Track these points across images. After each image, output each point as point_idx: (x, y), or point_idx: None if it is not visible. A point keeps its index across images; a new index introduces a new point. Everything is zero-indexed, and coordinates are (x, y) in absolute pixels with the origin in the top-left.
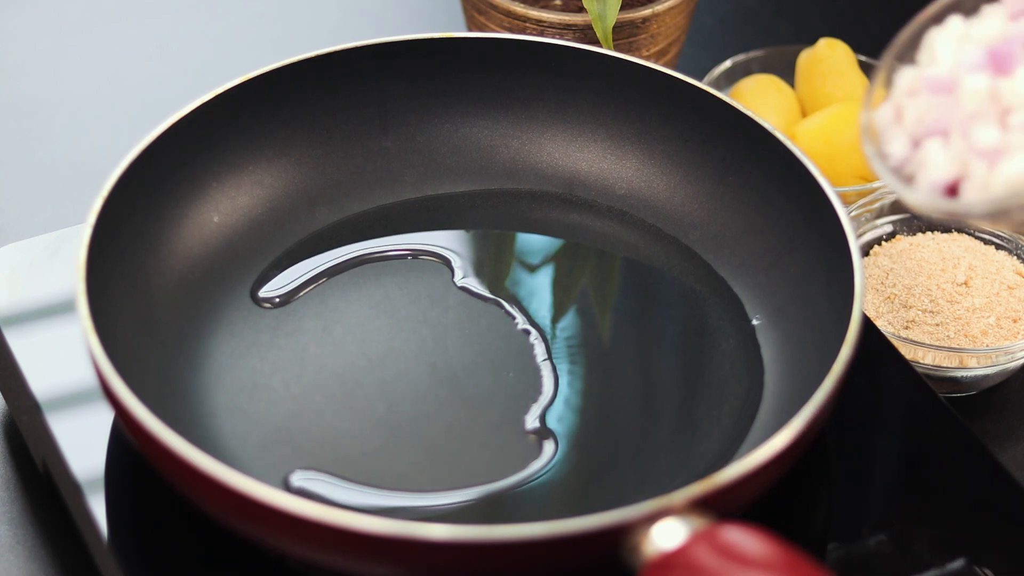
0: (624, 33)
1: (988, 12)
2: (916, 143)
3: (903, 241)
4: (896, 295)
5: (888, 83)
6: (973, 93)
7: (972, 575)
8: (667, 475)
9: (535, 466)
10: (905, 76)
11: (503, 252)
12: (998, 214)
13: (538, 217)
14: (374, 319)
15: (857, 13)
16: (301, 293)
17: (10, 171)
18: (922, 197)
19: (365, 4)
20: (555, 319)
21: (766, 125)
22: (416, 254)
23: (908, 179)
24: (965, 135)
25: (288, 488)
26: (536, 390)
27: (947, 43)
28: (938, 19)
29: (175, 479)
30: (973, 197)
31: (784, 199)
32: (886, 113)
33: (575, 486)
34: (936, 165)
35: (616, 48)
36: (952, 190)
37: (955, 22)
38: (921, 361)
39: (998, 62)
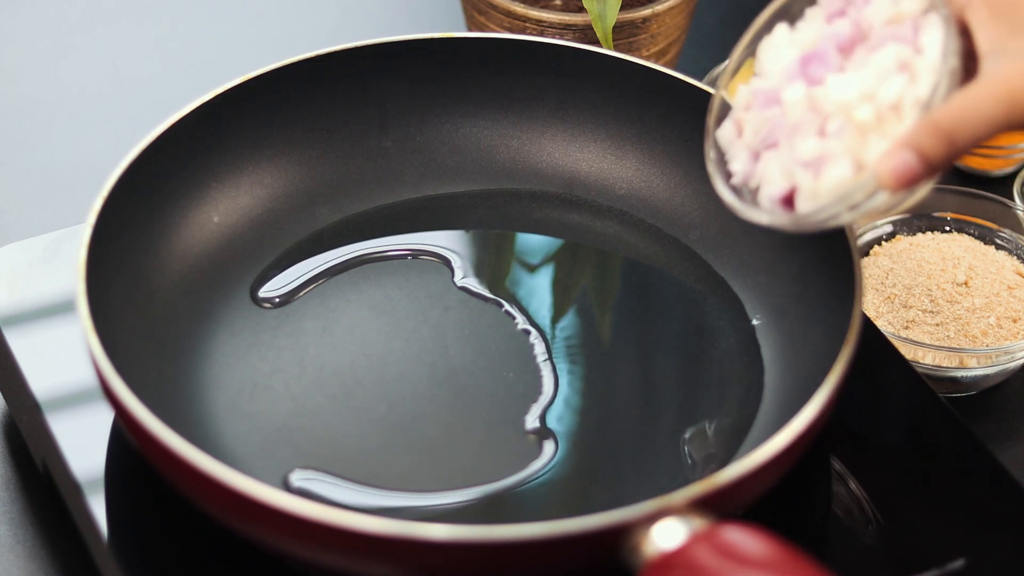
0: (624, 33)
1: (809, 16)
2: (756, 157)
3: (903, 241)
4: (896, 295)
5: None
6: (792, 103)
7: None
8: (667, 475)
9: (535, 466)
10: (742, 91)
11: (503, 252)
12: (832, 220)
13: (538, 217)
14: (374, 319)
15: None
16: (301, 293)
17: (10, 171)
18: (765, 216)
19: (365, 4)
20: (555, 319)
21: None
22: (416, 254)
23: (756, 193)
24: (790, 147)
25: (288, 488)
26: (536, 390)
27: (773, 52)
28: (769, 28)
29: (175, 479)
30: (805, 207)
31: None
32: (728, 131)
33: (575, 486)
34: (771, 179)
35: (616, 48)
36: (789, 201)
37: (781, 30)
38: (921, 361)
39: (809, 70)
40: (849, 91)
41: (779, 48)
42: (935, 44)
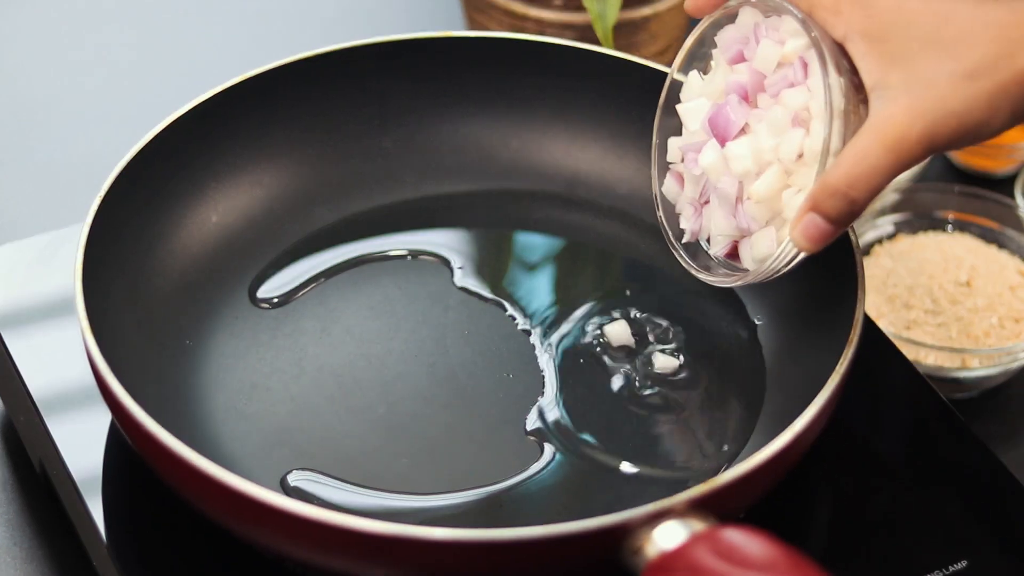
0: (624, 33)
1: (716, 58)
2: (698, 211)
3: (905, 241)
4: (898, 295)
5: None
6: (709, 167)
7: None
8: (667, 476)
9: (535, 467)
10: (673, 144)
11: (503, 252)
12: (776, 273)
13: (538, 217)
14: (373, 319)
15: None
16: (300, 293)
17: (9, 171)
18: (724, 278)
19: (364, 3)
20: (555, 319)
21: None
22: (416, 254)
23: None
24: (719, 207)
25: (286, 489)
26: (536, 390)
27: (689, 105)
28: (686, 73)
29: (173, 480)
30: (749, 266)
31: None
32: (671, 186)
33: (575, 487)
34: (713, 237)
35: (616, 48)
36: (736, 253)
37: (693, 79)
38: (923, 362)
39: (718, 131)
40: (748, 159)
41: (693, 100)
42: (819, 86)
